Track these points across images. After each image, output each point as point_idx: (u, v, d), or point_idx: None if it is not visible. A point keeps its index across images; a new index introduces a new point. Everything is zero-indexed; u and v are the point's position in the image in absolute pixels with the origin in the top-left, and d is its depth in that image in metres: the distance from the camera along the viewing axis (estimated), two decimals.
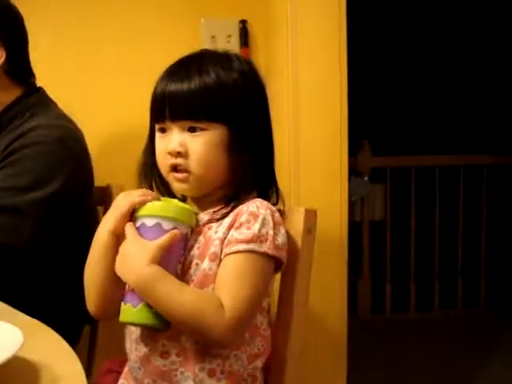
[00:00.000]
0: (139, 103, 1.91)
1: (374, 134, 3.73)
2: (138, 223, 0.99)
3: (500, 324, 3.48)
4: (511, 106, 4.39)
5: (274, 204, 1.10)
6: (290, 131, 1.65)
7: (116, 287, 1.01)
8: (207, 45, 1.87)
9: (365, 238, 3.63)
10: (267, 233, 0.98)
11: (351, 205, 3.36)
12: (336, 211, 1.64)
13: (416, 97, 4.44)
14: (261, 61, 1.91)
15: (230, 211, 1.03)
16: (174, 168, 1.03)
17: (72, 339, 0.87)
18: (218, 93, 1.02)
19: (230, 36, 1.90)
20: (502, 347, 3.05)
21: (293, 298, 1.09)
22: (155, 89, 1.06)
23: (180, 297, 0.93)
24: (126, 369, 1.11)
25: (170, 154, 1.02)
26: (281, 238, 1.01)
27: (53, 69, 1.85)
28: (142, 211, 0.99)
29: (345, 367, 1.71)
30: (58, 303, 1.44)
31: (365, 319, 3.56)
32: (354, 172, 3.39)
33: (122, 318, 0.97)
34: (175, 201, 1.03)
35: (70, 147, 1.37)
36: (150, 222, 0.97)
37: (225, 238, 0.99)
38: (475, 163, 3.76)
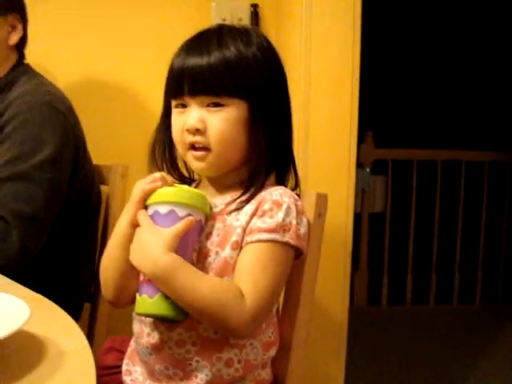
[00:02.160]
0: (147, 84, 1.91)
1: (376, 125, 3.72)
2: (151, 211, 0.96)
3: (495, 320, 3.50)
4: None
5: (293, 189, 1.08)
6: (300, 120, 1.63)
7: (135, 278, 0.99)
8: None
9: (364, 230, 3.63)
10: (290, 222, 0.97)
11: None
12: (343, 202, 1.64)
13: (420, 90, 4.43)
14: None
15: (251, 198, 1.00)
16: (193, 146, 1.01)
17: (73, 315, 0.86)
18: (239, 68, 0.99)
19: (240, 19, 1.88)
20: (497, 343, 3.07)
21: (301, 283, 1.08)
22: (172, 64, 1.02)
23: (200, 286, 0.90)
24: (130, 349, 1.11)
25: (188, 131, 0.99)
26: (303, 228, 1.00)
27: (59, 55, 1.85)
28: (155, 198, 0.95)
29: (344, 356, 1.71)
30: (59, 278, 1.45)
31: (361, 311, 3.57)
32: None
33: (138, 309, 0.95)
34: (188, 187, 1.00)
35: (58, 109, 1.38)
36: (163, 209, 0.94)
37: (247, 227, 0.97)
38: (477, 159, 3.75)
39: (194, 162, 1.03)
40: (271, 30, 1.92)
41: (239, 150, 1.02)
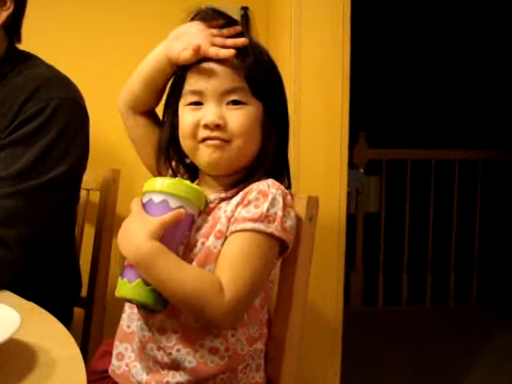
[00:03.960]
0: None
1: (370, 126, 3.72)
2: (146, 198, 0.97)
3: (491, 319, 3.50)
4: (508, 102, 4.39)
5: (287, 189, 1.08)
6: (291, 122, 1.63)
7: (151, 94, 1.12)
8: None
9: (359, 230, 3.63)
10: (275, 213, 0.96)
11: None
12: (335, 203, 1.64)
13: (413, 90, 4.44)
14: None
15: (241, 190, 1.01)
16: (205, 140, 1.01)
17: (64, 319, 0.86)
18: (259, 69, 1.02)
19: None
20: (493, 342, 3.07)
21: (293, 285, 1.08)
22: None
23: (180, 275, 0.90)
24: (121, 331, 1.09)
25: (206, 126, 0.99)
26: (290, 221, 0.99)
27: (59, 54, 1.84)
28: (151, 186, 0.96)
29: (339, 357, 1.71)
30: (49, 282, 1.38)
31: (356, 311, 3.58)
32: (349, 164, 3.38)
33: (118, 292, 0.95)
34: (187, 182, 1.00)
35: (82, 106, 1.32)
36: (157, 198, 0.95)
37: (231, 216, 0.97)
38: (471, 158, 3.77)
39: (207, 153, 1.02)
40: (262, 33, 1.92)
41: (253, 149, 1.04)
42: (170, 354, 0.98)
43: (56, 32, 1.87)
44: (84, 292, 1.54)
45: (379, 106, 4.36)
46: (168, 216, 0.93)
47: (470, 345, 3.01)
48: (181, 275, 0.90)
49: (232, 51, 1.00)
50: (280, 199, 0.97)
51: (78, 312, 1.54)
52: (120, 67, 1.89)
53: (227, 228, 0.97)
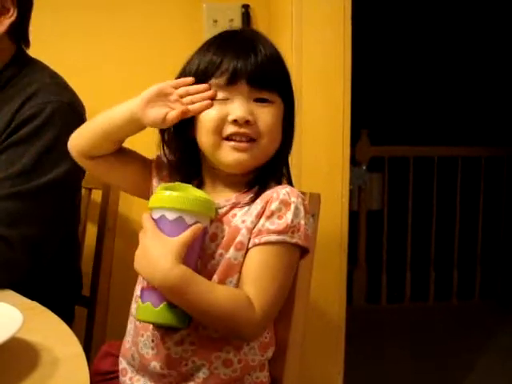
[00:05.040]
0: (140, 85, 1.91)
1: (372, 123, 3.72)
2: (157, 215, 0.93)
3: (495, 316, 3.50)
4: (511, 99, 4.38)
5: None
6: None
7: (110, 145, 1.05)
8: (209, 30, 1.85)
9: (362, 228, 3.63)
10: (299, 223, 0.97)
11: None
12: (337, 200, 1.64)
13: (415, 87, 4.42)
14: None
15: (256, 197, 1.00)
16: (230, 137, 0.99)
17: (66, 318, 0.86)
18: (285, 71, 1.05)
19: (232, 21, 1.88)
20: (496, 339, 3.06)
21: (296, 284, 1.08)
22: (214, 53, 1.01)
23: (212, 297, 0.90)
24: (123, 345, 1.10)
25: (235, 122, 0.97)
26: (310, 228, 1.01)
27: (58, 60, 1.84)
28: (163, 202, 0.92)
29: (342, 355, 1.71)
30: (50, 281, 1.38)
31: (359, 309, 3.57)
32: (351, 161, 3.38)
33: (142, 316, 0.93)
34: (193, 190, 0.98)
35: (79, 112, 1.32)
36: (171, 216, 0.91)
37: (253, 228, 0.97)
38: (473, 155, 3.76)
39: (231, 152, 0.99)
40: (263, 31, 1.89)
41: (275, 149, 1.04)
42: (186, 364, 0.98)
43: (56, 34, 1.86)
44: (87, 291, 1.54)
45: (381, 102, 4.35)
46: (188, 234, 0.91)
47: (474, 342, 3.00)
48: (213, 297, 0.91)
49: (210, 102, 0.99)
50: (301, 208, 0.98)
51: (81, 311, 1.54)
52: (122, 68, 1.90)
53: (248, 239, 0.97)
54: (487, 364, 2.72)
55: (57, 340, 0.79)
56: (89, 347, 1.46)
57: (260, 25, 1.92)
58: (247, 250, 0.97)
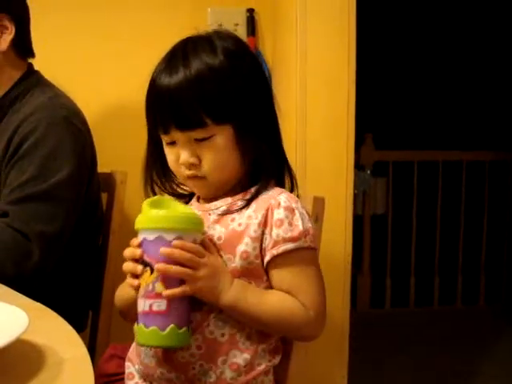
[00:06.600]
0: (144, 90, 1.92)
1: (376, 127, 3.72)
2: (141, 237, 0.94)
3: (499, 321, 3.49)
4: None
5: (291, 191, 1.09)
6: (298, 123, 1.63)
7: None
8: None
9: (366, 232, 3.63)
10: (308, 226, 0.99)
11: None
12: (341, 205, 1.64)
13: (419, 91, 4.42)
14: (268, 51, 1.90)
15: (251, 200, 1.01)
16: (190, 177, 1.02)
17: (78, 324, 0.86)
18: (219, 92, 0.97)
19: (237, 25, 1.88)
20: (501, 344, 3.06)
21: None
22: (148, 94, 1.03)
23: (267, 303, 0.97)
24: (130, 351, 1.10)
25: (183, 165, 1.01)
26: (315, 229, 1.03)
27: (59, 59, 1.85)
28: (142, 223, 0.95)
29: (346, 359, 1.71)
30: (64, 289, 1.44)
31: (364, 313, 3.57)
32: (356, 165, 3.38)
33: (146, 341, 0.93)
34: (179, 205, 1.02)
35: (75, 125, 1.38)
36: (151, 236, 0.92)
37: (258, 238, 0.98)
38: (478, 159, 3.75)
39: (194, 188, 1.07)
40: (268, 35, 1.92)
41: (235, 169, 1.03)
42: (194, 368, 0.98)
43: (58, 36, 1.88)
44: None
45: (386, 107, 4.35)
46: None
47: (478, 346, 3.00)
48: (268, 302, 0.97)
49: None
50: (304, 211, 1.01)
51: None
52: (126, 72, 1.91)
53: (253, 248, 0.98)
54: (492, 368, 2.72)
55: (61, 341, 0.79)
56: (93, 349, 1.47)
57: (265, 29, 1.92)
58: (266, 262, 0.99)
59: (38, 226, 1.27)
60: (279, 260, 0.98)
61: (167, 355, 0.98)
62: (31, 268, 1.26)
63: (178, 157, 1.01)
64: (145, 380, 1.04)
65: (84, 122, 1.45)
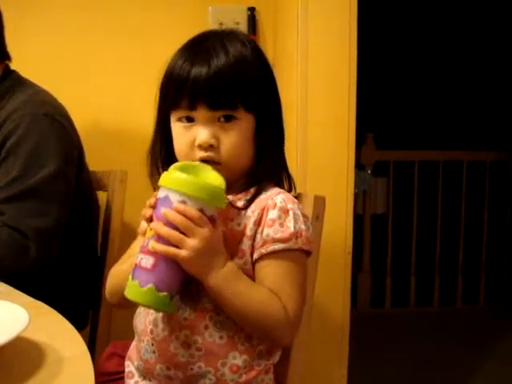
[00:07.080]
0: (145, 88, 1.92)
1: (377, 127, 3.72)
2: (162, 194, 0.92)
3: (499, 320, 3.49)
4: None
5: (289, 191, 1.08)
6: (299, 122, 1.63)
7: None
8: None
9: (366, 231, 3.63)
10: (300, 228, 0.98)
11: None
12: (342, 204, 1.64)
13: (421, 91, 4.42)
14: (269, 49, 1.90)
15: (251, 200, 1.00)
16: (202, 161, 0.99)
17: (79, 323, 0.86)
18: (250, 81, 0.99)
19: (237, 23, 1.88)
20: (501, 344, 3.05)
21: None
22: (173, 74, 0.99)
23: (253, 296, 0.95)
24: (130, 350, 1.10)
25: (200, 146, 0.98)
26: (310, 231, 1.02)
27: (57, 60, 1.86)
28: (170, 183, 0.91)
29: (346, 359, 1.71)
30: (62, 287, 1.45)
31: (364, 313, 3.56)
32: (356, 165, 3.38)
33: (129, 294, 0.92)
34: (209, 173, 0.96)
35: (56, 120, 1.38)
36: (175, 198, 0.90)
37: (252, 235, 0.98)
38: (478, 159, 3.75)
39: None
40: (269, 34, 1.92)
41: (248, 160, 1.03)
42: (192, 369, 0.98)
43: (58, 36, 1.88)
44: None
45: (387, 106, 4.35)
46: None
47: (479, 346, 2.99)
48: (253, 296, 0.95)
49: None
50: (299, 212, 1.00)
51: None
52: (126, 70, 1.91)
53: (250, 247, 0.98)
54: (493, 367, 2.72)
55: (62, 339, 0.79)
56: (93, 348, 1.47)
57: (266, 28, 1.92)
58: (254, 260, 0.98)
59: (33, 222, 1.28)
60: (267, 259, 0.97)
61: (166, 351, 0.98)
62: (29, 264, 1.27)
63: (193, 139, 0.98)
64: (144, 378, 1.04)
65: (67, 118, 1.45)
